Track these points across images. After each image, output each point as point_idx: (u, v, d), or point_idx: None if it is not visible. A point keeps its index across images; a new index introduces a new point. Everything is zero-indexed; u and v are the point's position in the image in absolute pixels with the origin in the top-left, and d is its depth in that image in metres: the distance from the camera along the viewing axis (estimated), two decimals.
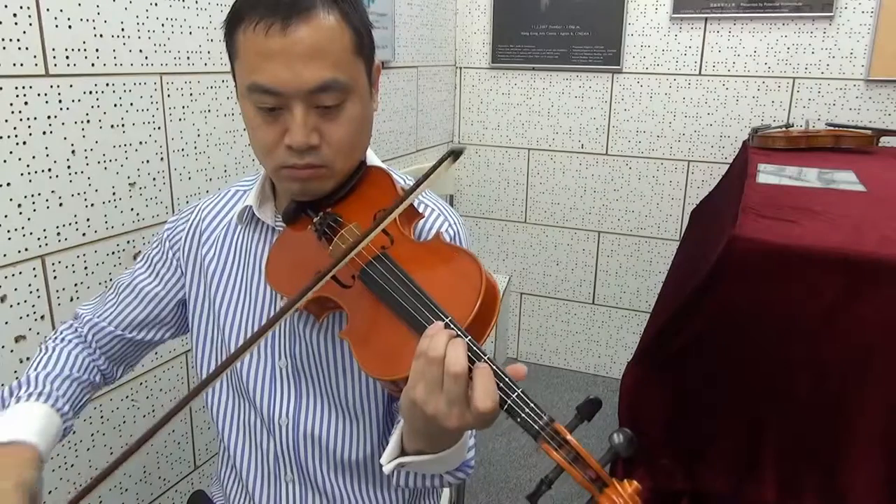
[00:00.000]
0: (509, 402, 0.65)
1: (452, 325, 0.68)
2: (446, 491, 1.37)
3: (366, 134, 0.90)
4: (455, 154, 0.73)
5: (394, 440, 0.78)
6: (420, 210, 0.90)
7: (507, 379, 0.66)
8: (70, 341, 1.02)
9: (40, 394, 0.90)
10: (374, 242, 0.80)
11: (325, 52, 0.80)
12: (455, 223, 0.94)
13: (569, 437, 0.64)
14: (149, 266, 1.04)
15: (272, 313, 0.95)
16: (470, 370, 0.66)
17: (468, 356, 0.66)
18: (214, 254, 0.99)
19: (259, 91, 0.80)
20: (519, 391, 0.65)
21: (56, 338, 1.02)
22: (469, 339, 0.67)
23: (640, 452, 1.41)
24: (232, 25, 0.83)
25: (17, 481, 0.77)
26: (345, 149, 0.85)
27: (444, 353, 0.65)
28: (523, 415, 0.64)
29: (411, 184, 0.99)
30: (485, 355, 0.67)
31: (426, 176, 0.75)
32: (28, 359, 1.25)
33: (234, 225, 0.99)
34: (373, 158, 0.96)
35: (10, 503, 0.74)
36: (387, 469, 0.77)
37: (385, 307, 0.75)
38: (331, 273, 0.75)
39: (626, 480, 0.63)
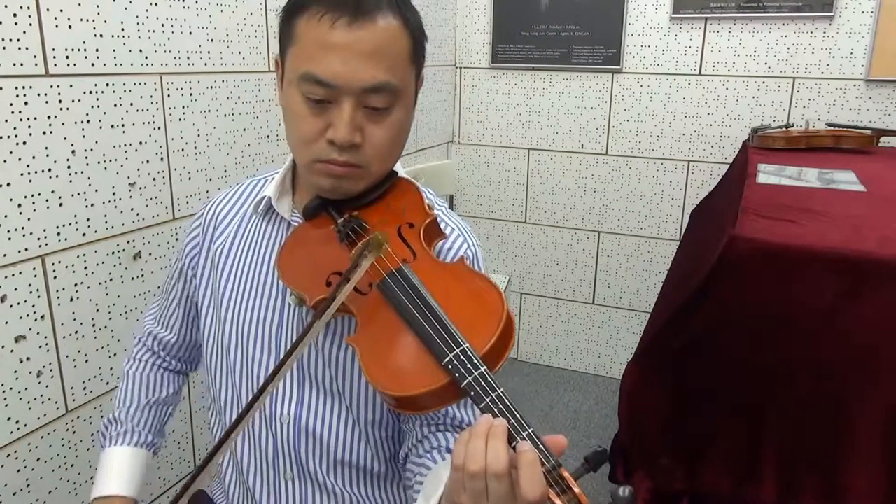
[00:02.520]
0: (518, 440, 0.64)
1: (469, 353, 0.67)
2: None
3: (403, 141, 0.90)
4: (375, 246, 0.75)
5: None
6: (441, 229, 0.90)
7: (518, 416, 0.65)
8: (142, 361, 1.12)
9: (125, 433, 1.05)
10: (396, 254, 0.79)
11: (384, 54, 0.80)
12: (474, 246, 0.93)
13: (573, 484, 0.63)
14: (178, 270, 1.07)
15: (278, 306, 0.95)
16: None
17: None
18: (225, 242, 1.00)
19: (312, 81, 0.80)
20: (530, 430, 0.65)
21: (131, 360, 1.13)
22: (484, 369, 0.66)
23: (622, 469, 1.40)
24: (293, 11, 0.83)
25: None
26: (384, 152, 0.86)
27: (486, 461, 0.63)
28: None
29: (434, 200, 0.98)
30: (498, 388, 0.66)
31: (348, 275, 0.75)
32: (28, 359, 1.25)
33: (249, 215, 0.99)
34: (401, 170, 0.96)
35: None
36: None
37: (400, 321, 0.74)
38: (355, 278, 0.75)
39: None
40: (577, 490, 0.63)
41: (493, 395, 0.65)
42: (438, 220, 0.89)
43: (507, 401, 0.66)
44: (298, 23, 0.82)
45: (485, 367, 0.67)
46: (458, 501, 0.66)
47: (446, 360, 0.67)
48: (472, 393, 0.66)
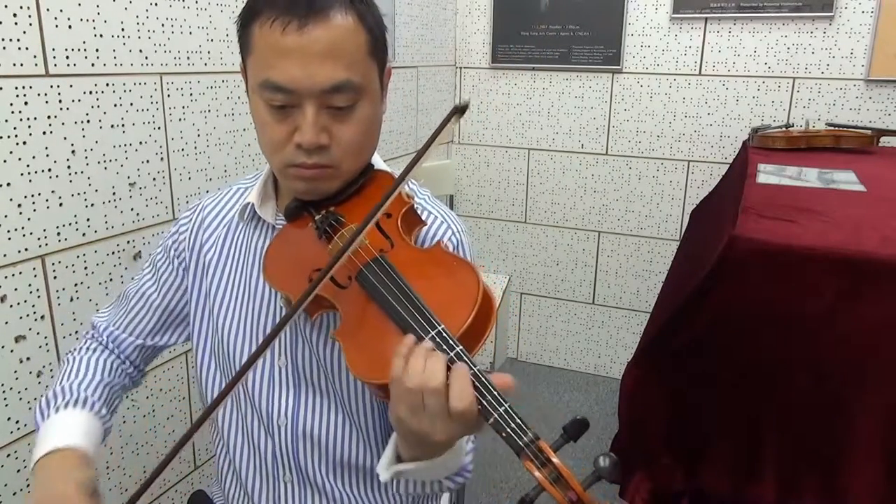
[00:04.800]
0: (495, 416, 0.65)
1: (445, 335, 0.68)
2: None
3: (374, 136, 0.90)
4: (460, 109, 0.71)
5: (389, 449, 0.78)
6: (423, 217, 0.90)
7: (495, 393, 0.66)
8: (94, 350, 1.04)
9: (76, 401, 0.92)
10: (373, 245, 0.79)
11: (340, 52, 0.80)
12: (458, 231, 0.93)
13: (552, 456, 0.63)
14: (154, 274, 1.04)
15: (270, 310, 0.95)
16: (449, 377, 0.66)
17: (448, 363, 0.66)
18: (214, 251, 1.00)
19: (272, 88, 0.80)
20: (506, 405, 0.65)
21: (80, 348, 1.04)
22: (460, 349, 0.67)
23: (623, 473, 1.41)
24: (247, 20, 0.83)
25: (76, 483, 0.81)
26: (354, 150, 0.85)
27: (423, 376, 0.66)
28: (508, 430, 0.64)
29: (417, 189, 0.98)
30: (474, 367, 0.67)
31: (434, 136, 0.73)
32: (28, 359, 1.25)
33: (236, 222, 0.99)
34: (379, 163, 0.96)
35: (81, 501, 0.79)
36: (384, 477, 0.77)
37: (379, 310, 0.74)
38: (334, 267, 0.75)
39: (607, 503, 0.63)
40: (556, 461, 0.63)
41: (470, 375, 0.66)
42: (418, 208, 0.90)
43: (483, 378, 0.66)
44: (253, 31, 0.81)
45: (461, 347, 0.67)
46: (397, 413, 0.68)
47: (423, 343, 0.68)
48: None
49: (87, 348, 1.04)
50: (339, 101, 0.81)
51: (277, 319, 0.94)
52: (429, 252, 0.82)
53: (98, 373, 0.99)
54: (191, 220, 1.03)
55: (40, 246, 1.25)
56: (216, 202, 1.03)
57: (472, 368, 0.67)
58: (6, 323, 1.21)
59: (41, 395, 0.96)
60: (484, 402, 0.66)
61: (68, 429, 0.89)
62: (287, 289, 0.85)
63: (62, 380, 0.98)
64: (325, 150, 0.83)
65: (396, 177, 0.92)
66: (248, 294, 0.96)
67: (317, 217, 0.87)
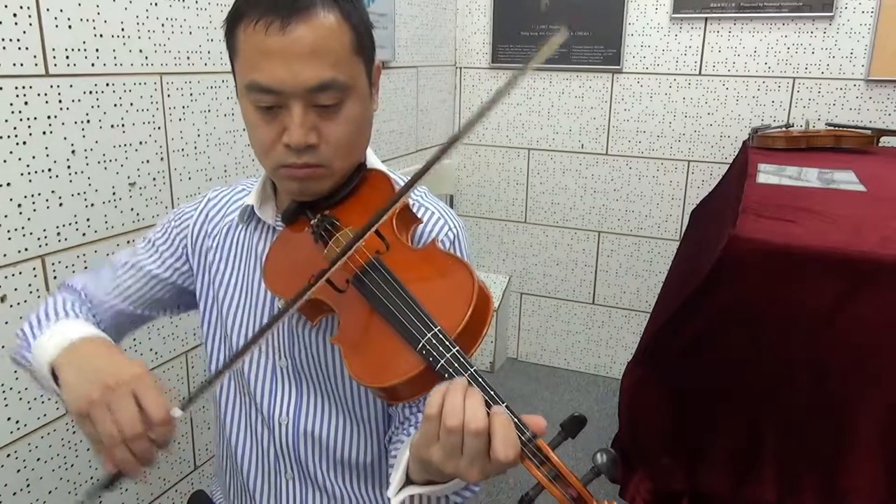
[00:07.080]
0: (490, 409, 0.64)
1: (441, 335, 0.68)
2: None
3: (365, 134, 0.90)
4: (562, 34, 0.71)
5: (399, 471, 0.76)
6: (419, 214, 0.90)
7: (491, 392, 0.66)
8: (73, 299, 0.98)
9: (77, 316, 0.90)
10: (368, 247, 0.79)
11: (324, 51, 0.79)
12: (455, 226, 0.93)
13: (551, 454, 0.63)
14: (151, 248, 1.02)
15: (274, 311, 0.95)
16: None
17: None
18: (217, 251, 1.00)
19: (258, 90, 0.80)
20: (504, 406, 0.65)
21: (58, 294, 0.99)
22: (457, 350, 0.67)
23: (622, 469, 1.41)
24: (232, 23, 0.83)
25: (142, 364, 0.77)
26: (343, 148, 0.85)
27: (464, 415, 0.63)
28: None
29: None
30: (471, 367, 0.66)
31: (539, 56, 0.69)
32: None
33: (236, 224, 0.99)
34: (373, 160, 0.96)
35: (152, 382, 0.75)
36: (395, 502, 0.75)
37: (376, 314, 0.74)
38: (326, 275, 0.75)
39: (606, 501, 0.63)
40: (555, 460, 0.63)
41: (466, 376, 0.66)
42: (414, 205, 0.89)
43: (480, 379, 0.66)
44: (238, 33, 0.82)
45: (457, 348, 0.67)
46: (427, 455, 0.66)
47: (419, 345, 0.68)
48: (447, 375, 0.66)
49: (65, 299, 0.97)
50: (325, 99, 0.81)
51: (280, 321, 0.94)
52: (423, 252, 0.82)
53: (83, 313, 0.94)
54: (197, 208, 1.03)
55: (40, 246, 1.25)
56: (221, 198, 1.03)
57: (469, 370, 0.66)
58: (6, 323, 1.21)
59: (24, 323, 0.91)
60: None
61: (86, 327, 0.85)
62: (284, 293, 0.85)
63: (46, 308, 0.92)
64: (314, 149, 0.83)
65: (391, 176, 0.92)
66: (252, 296, 0.96)
67: (312, 221, 0.87)
